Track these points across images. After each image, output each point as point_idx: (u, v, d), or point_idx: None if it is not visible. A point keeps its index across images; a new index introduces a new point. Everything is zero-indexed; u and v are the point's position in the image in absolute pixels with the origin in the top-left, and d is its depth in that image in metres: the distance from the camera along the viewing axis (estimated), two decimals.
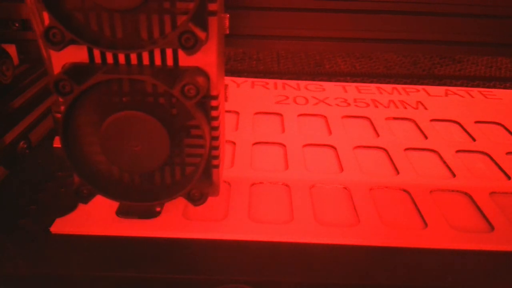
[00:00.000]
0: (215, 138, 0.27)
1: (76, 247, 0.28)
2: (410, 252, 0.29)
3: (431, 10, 0.40)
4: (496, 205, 0.33)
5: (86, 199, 0.28)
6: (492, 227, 0.31)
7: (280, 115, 0.46)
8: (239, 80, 0.55)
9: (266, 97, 0.50)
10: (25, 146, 0.39)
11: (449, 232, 0.30)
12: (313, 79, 0.57)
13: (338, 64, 0.65)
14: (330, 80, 0.57)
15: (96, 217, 0.30)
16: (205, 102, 0.26)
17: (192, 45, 0.23)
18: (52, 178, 0.34)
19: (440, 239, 0.29)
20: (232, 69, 0.62)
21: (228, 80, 0.55)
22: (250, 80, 0.55)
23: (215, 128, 0.27)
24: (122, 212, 0.30)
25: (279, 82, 0.55)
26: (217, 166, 0.28)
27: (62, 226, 0.29)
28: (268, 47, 0.52)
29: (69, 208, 0.31)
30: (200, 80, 0.25)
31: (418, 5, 0.40)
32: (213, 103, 0.26)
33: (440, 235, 0.30)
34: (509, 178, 0.37)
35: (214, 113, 0.27)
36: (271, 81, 0.55)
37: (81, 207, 0.31)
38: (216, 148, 0.28)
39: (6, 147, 0.37)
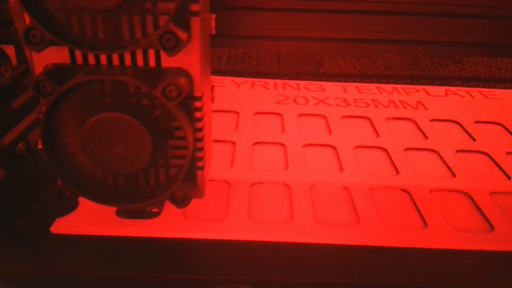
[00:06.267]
0: (199, 139, 0.27)
1: (76, 247, 0.28)
2: (410, 252, 0.29)
3: (431, 11, 0.40)
4: (496, 205, 0.33)
5: (68, 201, 0.27)
6: (492, 227, 0.31)
7: (280, 115, 0.46)
8: (239, 80, 0.55)
9: (266, 97, 0.50)
10: (24, 147, 0.39)
11: (449, 232, 0.30)
12: (313, 79, 0.57)
13: (338, 64, 0.65)
14: (330, 80, 0.57)
15: (96, 217, 0.30)
16: (188, 103, 0.26)
17: (173, 46, 0.23)
18: (52, 178, 0.34)
19: (440, 239, 0.29)
20: (232, 69, 0.62)
21: (228, 80, 0.55)
22: (250, 80, 0.55)
23: (199, 130, 0.27)
24: (121, 212, 0.30)
25: (279, 82, 0.55)
26: (201, 168, 0.28)
27: (62, 226, 0.29)
28: (268, 47, 0.52)
29: (69, 208, 0.30)
30: (182, 81, 0.24)
31: (418, 5, 0.40)
32: (197, 104, 0.26)
33: (440, 235, 0.30)
34: (509, 178, 0.37)
35: (198, 114, 0.26)
36: (271, 81, 0.55)
37: (81, 207, 0.31)
38: (201, 149, 0.27)
39: (5, 148, 0.37)
